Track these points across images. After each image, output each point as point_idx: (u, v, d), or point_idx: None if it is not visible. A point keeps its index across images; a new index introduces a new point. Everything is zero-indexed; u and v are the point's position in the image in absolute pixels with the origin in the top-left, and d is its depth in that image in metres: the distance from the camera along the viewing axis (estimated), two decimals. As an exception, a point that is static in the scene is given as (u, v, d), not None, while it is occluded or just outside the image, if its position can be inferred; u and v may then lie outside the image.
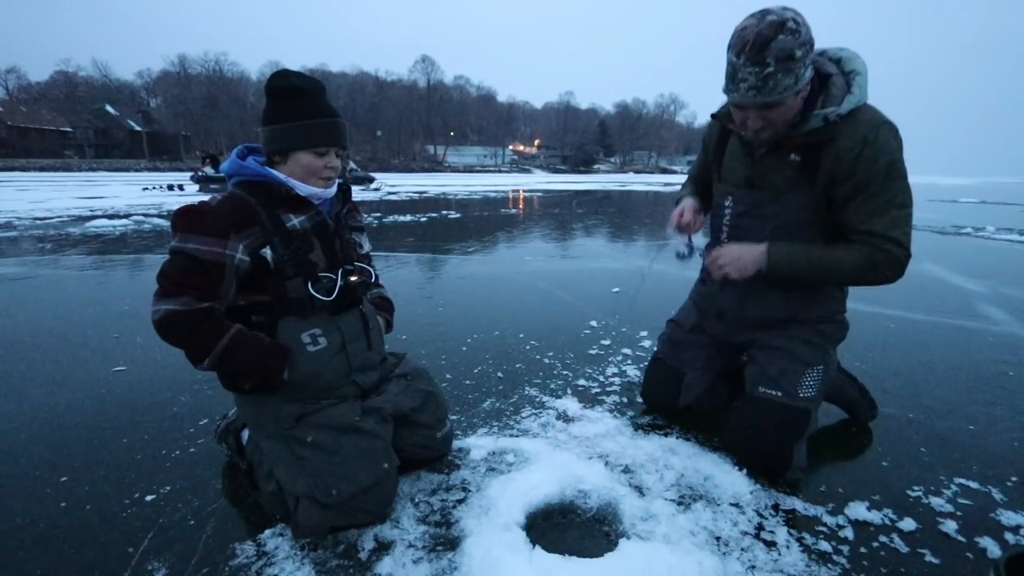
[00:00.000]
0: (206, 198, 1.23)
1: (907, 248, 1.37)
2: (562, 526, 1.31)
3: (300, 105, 1.24)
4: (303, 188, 1.27)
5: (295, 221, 1.27)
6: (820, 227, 1.46)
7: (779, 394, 1.50)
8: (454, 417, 1.84)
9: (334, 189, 1.36)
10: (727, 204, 1.61)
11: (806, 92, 1.35)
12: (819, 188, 1.41)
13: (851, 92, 1.35)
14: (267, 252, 1.22)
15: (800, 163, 1.42)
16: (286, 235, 1.25)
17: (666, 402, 1.85)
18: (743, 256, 1.48)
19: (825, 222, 1.45)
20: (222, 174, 1.36)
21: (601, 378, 2.23)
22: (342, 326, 1.35)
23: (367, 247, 1.54)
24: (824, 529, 1.32)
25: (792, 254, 1.43)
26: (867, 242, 1.37)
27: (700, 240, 1.73)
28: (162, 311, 1.13)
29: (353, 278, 1.37)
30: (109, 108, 58.51)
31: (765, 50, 1.22)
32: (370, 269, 1.47)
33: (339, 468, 1.23)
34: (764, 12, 1.24)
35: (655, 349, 1.93)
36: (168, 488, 1.43)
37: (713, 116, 1.65)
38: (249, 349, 1.20)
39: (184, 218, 1.17)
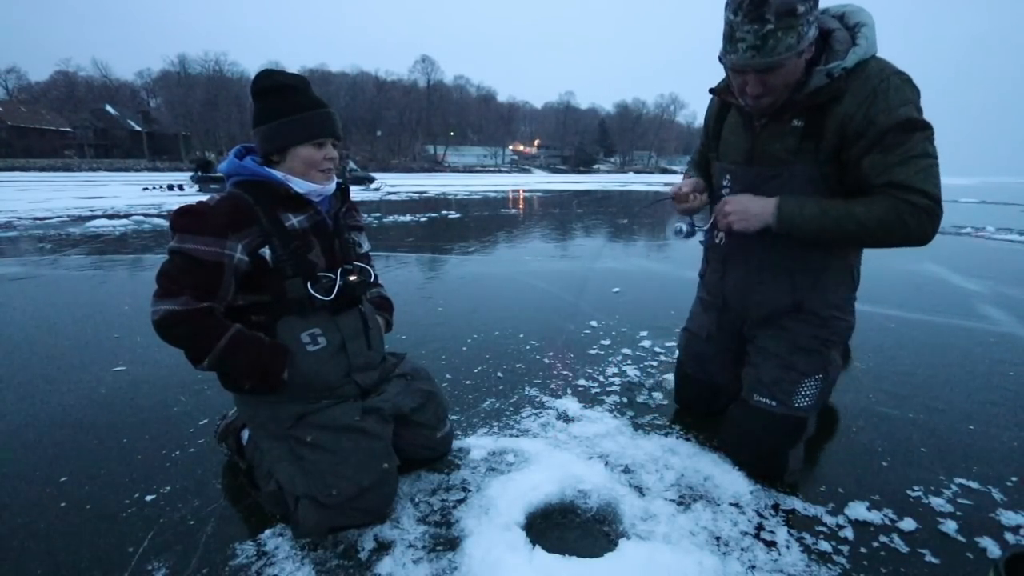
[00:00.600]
0: (205, 198, 1.23)
1: (936, 200, 1.21)
2: (562, 526, 1.31)
3: (291, 100, 1.24)
4: (302, 185, 1.27)
5: (294, 221, 1.27)
6: None
7: (773, 403, 1.47)
8: (454, 417, 1.84)
9: (333, 186, 1.36)
10: (725, 183, 1.53)
11: (809, 54, 1.24)
12: (825, 155, 1.30)
13: (856, 44, 1.25)
14: (266, 251, 1.22)
15: (803, 129, 1.31)
16: (285, 235, 1.25)
17: (706, 409, 1.86)
18: (750, 207, 1.36)
19: (835, 194, 1.34)
20: (218, 174, 1.36)
21: (601, 378, 2.22)
22: (341, 326, 1.35)
23: (366, 246, 1.54)
24: (824, 529, 1.32)
25: (805, 206, 1.30)
26: (889, 194, 1.22)
27: (700, 221, 1.66)
28: (161, 311, 1.13)
29: (352, 278, 1.37)
30: (109, 108, 58.50)
31: (764, 5, 1.13)
32: (369, 269, 1.47)
33: (339, 468, 1.23)
34: None
35: (679, 358, 1.90)
36: (168, 488, 1.43)
37: (711, 91, 1.55)
38: (248, 349, 1.20)
39: (183, 218, 1.17)
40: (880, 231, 1.25)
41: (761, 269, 1.53)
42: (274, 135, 1.24)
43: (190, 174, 17.81)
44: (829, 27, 1.28)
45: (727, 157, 1.53)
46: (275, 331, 1.27)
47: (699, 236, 1.66)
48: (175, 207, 1.25)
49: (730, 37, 1.21)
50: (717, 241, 1.63)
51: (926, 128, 1.22)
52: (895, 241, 1.27)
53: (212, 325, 1.17)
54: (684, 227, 1.62)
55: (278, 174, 1.25)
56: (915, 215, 1.22)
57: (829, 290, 1.49)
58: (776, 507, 1.39)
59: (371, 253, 1.57)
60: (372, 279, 1.50)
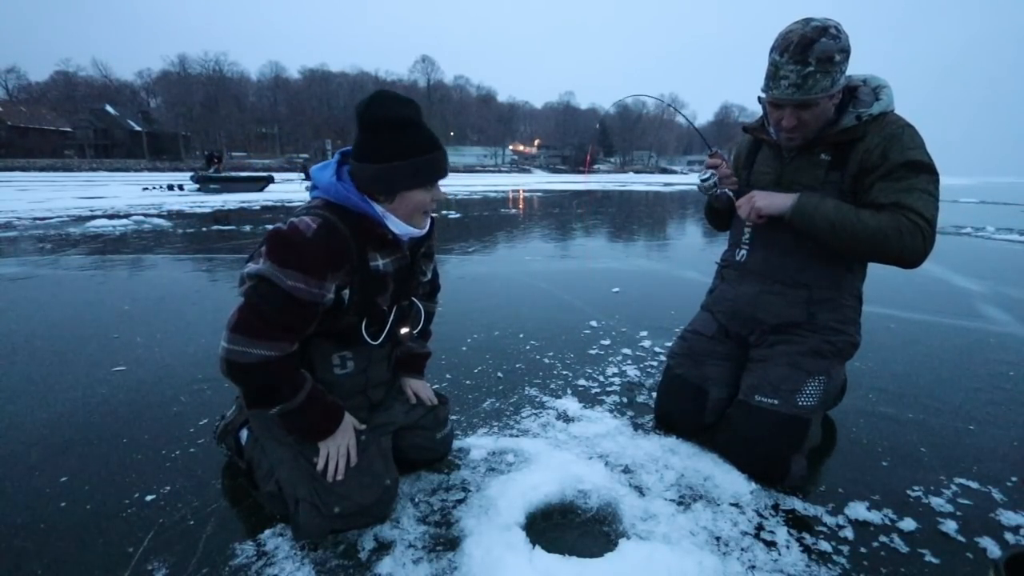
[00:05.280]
0: (300, 223, 1.11)
1: (933, 227, 1.36)
2: (562, 526, 1.31)
3: (408, 140, 1.14)
4: (399, 227, 1.21)
5: (380, 263, 1.22)
6: None
7: (776, 402, 1.49)
8: (454, 417, 1.83)
9: (427, 228, 1.31)
10: None
11: (837, 99, 1.44)
12: (847, 184, 1.46)
13: (879, 99, 1.46)
14: (346, 293, 1.18)
15: (830, 162, 1.49)
16: (368, 277, 1.20)
17: (688, 422, 1.72)
18: (774, 195, 1.50)
19: None
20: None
21: (601, 378, 2.22)
22: (372, 353, 1.34)
23: (430, 274, 1.48)
24: (824, 529, 1.32)
25: (822, 202, 1.43)
26: (893, 211, 1.38)
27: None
28: (257, 356, 1.08)
29: (404, 331, 1.35)
30: (109, 108, 58.50)
31: (808, 50, 1.32)
32: (421, 317, 1.42)
33: (341, 487, 1.22)
34: (808, 19, 1.36)
35: (667, 364, 1.84)
36: (168, 488, 1.43)
37: (745, 129, 1.72)
38: (315, 407, 1.19)
39: (281, 247, 1.09)
40: (881, 238, 1.37)
41: (780, 282, 1.60)
42: (387, 177, 1.15)
43: (191, 174, 17.79)
44: (855, 84, 1.50)
45: (758, 184, 1.65)
46: (308, 346, 1.24)
47: (716, 189, 1.69)
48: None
49: (773, 75, 1.40)
50: (739, 259, 1.71)
51: (932, 171, 1.40)
52: (890, 252, 1.38)
53: (298, 375, 1.15)
54: (711, 174, 1.68)
55: (378, 210, 1.18)
56: (912, 232, 1.35)
57: (841, 307, 1.58)
58: (776, 507, 1.39)
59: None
60: (420, 327, 1.45)
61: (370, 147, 1.14)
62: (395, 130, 1.14)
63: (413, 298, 1.38)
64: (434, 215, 1.34)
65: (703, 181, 1.70)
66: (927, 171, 1.39)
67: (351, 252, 1.15)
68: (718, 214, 1.85)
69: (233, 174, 16.08)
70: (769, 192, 1.52)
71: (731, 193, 1.67)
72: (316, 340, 1.25)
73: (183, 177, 21.26)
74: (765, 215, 1.50)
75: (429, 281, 1.50)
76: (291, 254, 1.08)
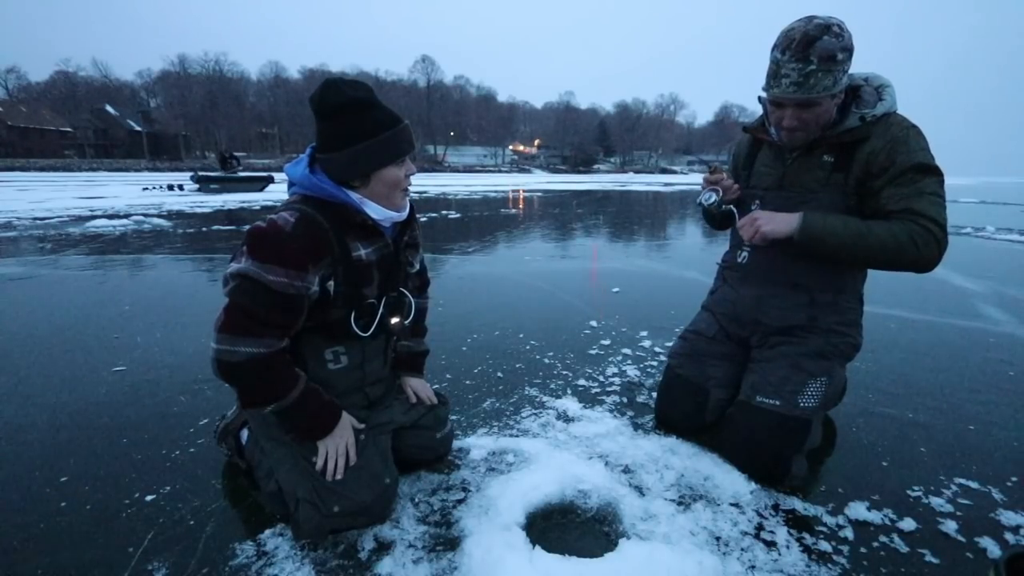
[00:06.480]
0: (278, 217, 1.12)
1: (945, 231, 1.35)
2: (562, 526, 1.31)
3: (369, 119, 1.15)
4: (378, 211, 1.21)
5: (362, 252, 1.21)
6: None
7: (777, 403, 1.49)
8: (454, 417, 1.83)
9: (407, 211, 1.30)
10: (754, 207, 1.61)
11: (839, 100, 1.42)
12: (851, 187, 1.44)
13: (883, 100, 1.44)
14: (330, 284, 1.18)
15: (833, 164, 1.46)
16: (351, 267, 1.19)
17: (689, 421, 1.73)
18: (777, 215, 1.46)
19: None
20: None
21: (601, 378, 2.22)
22: (366, 347, 1.34)
23: (418, 266, 1.46)
24: (824, 529, 1.32)
25: (828, 219, 1.40)
26: (907, 219, 1.35)
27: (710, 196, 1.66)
28: (244, 354, 1.08)
29: (394, 320, 1.34)
30: (109, 108, 58.55)
31: (810, 48, 1.30)
32: (412, 306, 1.39)
33: (340, 487, 1.22)
34: (811, 17, 1.34)
35: (668, 364, 1.84)
36: (168, 488, 1.43)
37: (744, 128, 1.70)
38: (311, 404, 1.18)
39: (261, 244, 1.09)
40: (893, 248, 1.35)
41: (781, 285, 1.60)
42: (358, 160, 1.15)
43: (190, 174, 17.78)
44: (857, 84, 1.48)
45: (759, 185, 1.64)
46: (300, 343, 1.24)
47: (716, 206, 1.66)
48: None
49: (775, 74, 1.37)
50: (740, 260, 1.70)
51: (939, 174, 1.39)
52: (904, 261, 1.37)
53: (291, 372, 1.15)
54: (714, 196, 1.64)
55: (355, 198, 1.18)
56: (926, 238, 1.34)
57: (842, 309, 1.58)
58: (776, 507, 1.39)
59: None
60: (411, 315, 1.40)
61: (334, 135, 1.15)
62: (355, 113, 1.14)
63: (403, 290, 1.37)
64: (414, 197, 1.35)
65: (707, 203, 1.64)
66: (934, 173, 1.37)
67: (331, 242, 1.15)
68: (716, 216, 1.83)
69: (233, 174, 16.11)
70: (771, 213, 1.48)
71: (735, 211, 1.64)
72: (307, 336, 1.25)
73: (183, 177, 21.27)
74: (771, 239, 1.46)
75: (418, 274, 1.49)
76: (271, 249, 1.09)
